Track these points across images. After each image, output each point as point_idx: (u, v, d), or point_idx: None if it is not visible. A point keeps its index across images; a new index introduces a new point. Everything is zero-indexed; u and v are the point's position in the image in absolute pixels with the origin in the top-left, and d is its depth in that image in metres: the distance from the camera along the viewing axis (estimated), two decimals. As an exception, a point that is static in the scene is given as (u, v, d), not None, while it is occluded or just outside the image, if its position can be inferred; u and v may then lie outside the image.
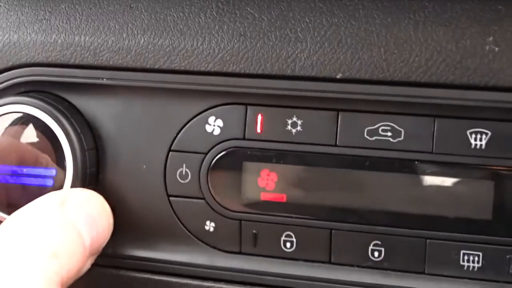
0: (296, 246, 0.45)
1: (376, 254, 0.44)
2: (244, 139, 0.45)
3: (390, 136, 0.43)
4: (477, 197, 0.42)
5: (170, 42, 0.45)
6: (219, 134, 0.46)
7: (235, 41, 0.44)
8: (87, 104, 0.48)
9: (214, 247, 0.47)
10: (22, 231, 0.39)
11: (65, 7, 0.48)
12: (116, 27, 0.46)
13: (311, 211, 0.45)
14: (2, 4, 0.50)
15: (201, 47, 0.45)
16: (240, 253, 0.47)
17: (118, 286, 0.49)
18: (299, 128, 0.44)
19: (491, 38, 0.40)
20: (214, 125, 0.46)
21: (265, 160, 0.45)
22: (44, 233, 0.39)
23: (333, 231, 0.44)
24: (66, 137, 0.46)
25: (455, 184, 0.42)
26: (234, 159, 0.45)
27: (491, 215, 0.42)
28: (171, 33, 0.45)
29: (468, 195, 0.42)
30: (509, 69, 0.40)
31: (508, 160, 0.41)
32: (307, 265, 0.45)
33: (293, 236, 0.45)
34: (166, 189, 0.47)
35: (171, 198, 0.47)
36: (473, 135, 0.42)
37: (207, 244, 0.47)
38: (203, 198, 0.46)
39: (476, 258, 0.42)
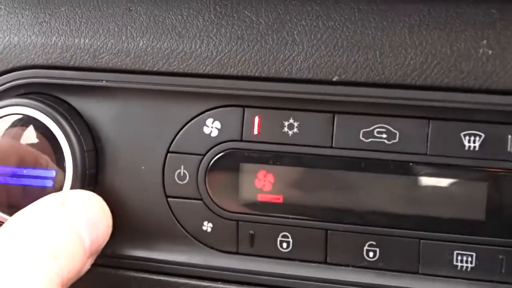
0: (292, 246, 0.46)
1: (371, 254, 0.45)
2: (241, 140, 0.46)
3: (385, 138, 0.43)
4: (471, 198, 0.42)
5: (169, 45, 0.46)
6: (216, 136, 0.46)
7: (233, 44, 0.45)
8: (87, 106, 0.48)
9: (211, 247, 0.48)
10: (23, 232, 0.40)
11: (65, 10, 0.48)
12: (115, 29, 0.47)
13: (307, 212, 0.45)
14: (2, 7, 0.50)
15: (199, 49, 0.45)
16: (237, 253, 0.47)
17: (117, 285, 0.50)
18: (295, 130, 0.45)
19: (484, 42, 0.41)
20: (212, 127, 0.46)
21: (262, 161, 0.45)
22: (45, 234, 0.40)
23: (328, 231, 0.45)
24: (66, 139, 0.47)
25: (449, 185, 0.43)
26: (232, 160, 0.46)
27: (485, 216, 0.42)
28: (170, 36, 0.46)
29: (462, 196, 0.42)
30: (502, 72, 0.40)
31: (501, 161, 0.42)
32: (303, 265, 0.46)
33: (290, 236, 0.46)
34: (164, 190, 0.48)
35: (169, 199, 0.48)
36: (467, 137, 0.42)
37: (204, 244, 0.48)
38: (201, 199, 0.47)
39: (470, 259, 0.43)
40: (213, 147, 0.46)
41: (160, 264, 0.48)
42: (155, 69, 0.46)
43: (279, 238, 0.46)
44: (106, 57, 0.47)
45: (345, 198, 0.44)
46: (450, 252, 0.43)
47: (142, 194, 0.48)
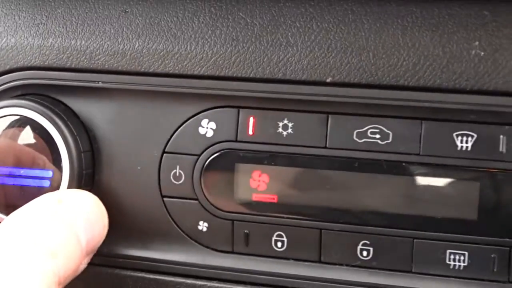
0: (287, 245, 0.46)
1: (364, 253, 0.45)
2: (236, 141, 0.46)
3: (378, 139, 0.44)
4: (463, 198, 0.43)
5: (164, 46, 0.46)
6: (212, 136, 0.46)
7: (228, 45, 0.45)
8: (83, 106, 0.49)
9: (207, 247, 0.48)
10: (20, 231, 0.40)
11: (61, 12, 0.49)
12: (112, 31, 0.47)
13: (301, 212, 0.45)
14: (-1, 9, 0.51)
15: (194, 51, 0.45)
16: (232, 252, 0.47)
17: (113, 284, 0.50)
18: (290, 130, 0.45)
19: (476, 43, 0.41)
20: (207, 128, 0.46)
21: (256, 161, 0.46)
22: (42, 233, 0.40)
23: (322, 231, 0.45)
24: (63, 139, 0.47)
25: (441, 185, 0.43)
26: (227, 160, 0.46)
27: (477, 215, 0.42)
28: (165, 38, 0.46)
29: (454, 196, 0.43)
30: (494, 73, 0.41)
31: (493, 161, 0.42)
32: (298, 264, 0.46)
33: (284, 236, 0.46)
34: (160, 190, 0.48)
35: (165, 199, 0.48)
36: (459, 138, 0.42)
37: (200, 243, 0.48)
38: (196, 199, 0.47)
39: (462, 257, 0.43)
40: (208, 147, 0.46)
41: (156, 263, 0.49)
42: (150, 70, 0.46)
43: (274, 238, 0.46)
44: (102, 58, 0.47)
45: (339, 198, 0.45)
46: (442, 251, 0.43)
47: (138, 194, 0.48)
